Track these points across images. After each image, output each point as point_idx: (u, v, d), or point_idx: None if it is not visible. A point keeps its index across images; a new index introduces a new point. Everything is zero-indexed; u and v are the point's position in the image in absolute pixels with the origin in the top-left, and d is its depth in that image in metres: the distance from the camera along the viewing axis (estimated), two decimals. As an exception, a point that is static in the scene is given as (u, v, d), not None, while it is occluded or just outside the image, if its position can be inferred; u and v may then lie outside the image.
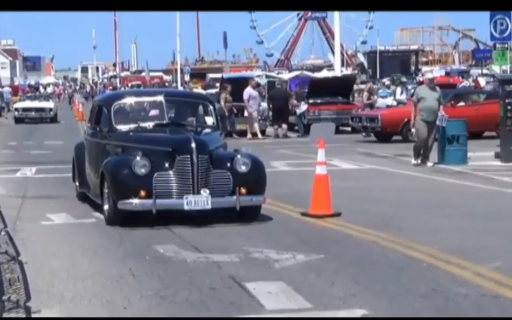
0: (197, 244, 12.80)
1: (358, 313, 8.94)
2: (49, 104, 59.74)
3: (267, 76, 65.51)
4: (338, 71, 53.78)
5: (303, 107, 38.69)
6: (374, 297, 9.57)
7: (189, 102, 18.67)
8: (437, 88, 25.11)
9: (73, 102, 78.75)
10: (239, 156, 14.77)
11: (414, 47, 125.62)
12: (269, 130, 39.38)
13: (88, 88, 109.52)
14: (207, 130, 16.55)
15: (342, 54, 71.63)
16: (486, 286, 10.07)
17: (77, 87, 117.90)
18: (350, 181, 20.89)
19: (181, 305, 9.49)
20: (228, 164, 14.69)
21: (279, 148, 30.73)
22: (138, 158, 14.21)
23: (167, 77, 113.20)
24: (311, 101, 39.78)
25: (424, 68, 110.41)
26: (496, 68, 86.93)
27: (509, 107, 24.72)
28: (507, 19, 34.23)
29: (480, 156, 25.42)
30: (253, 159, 14.95)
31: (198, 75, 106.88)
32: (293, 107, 39.12)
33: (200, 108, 17.67)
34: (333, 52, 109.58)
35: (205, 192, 14.08)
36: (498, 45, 35.07)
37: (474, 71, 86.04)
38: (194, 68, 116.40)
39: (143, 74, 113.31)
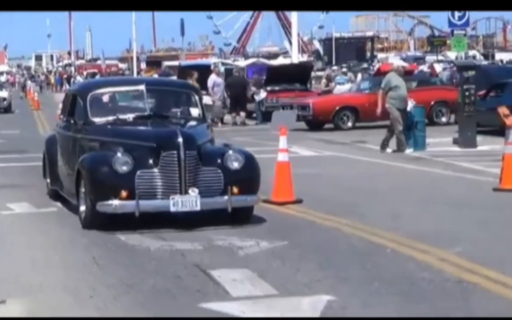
0: (159, 232, 12.81)
1: (324, 299, 9.00)
2: (3, 94, 58.34)
3: (223, 64, 65.38)
4: (296, 58, 53.99)
5: (262, 94, 38.82)
6: (340, 283, 9.66)
7: (172, 91, 16.74)
8: None
9: (27, 91, 77.95)
10: (230, 151, 13.37)
11: (369, 33, 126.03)
12: (227, 117, 39.35)
13: (42, 77, 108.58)
14: (193, 123, 14.82)
15: (297, 41, 71.63)
16: (449, 271, 10.22)
17: (31, 76, 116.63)
18: (311, 168, 20.97)
19: (147, 293, 9.50)
20: (219, 161, 13.19)
21: (238, 135, 30.60)
22: (119, 154, 12.83)
23: (122, 65, 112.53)
24: (269, 88, 39.90)
25: (380, 55, 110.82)
26: (451, 55, 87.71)
27: (467, 93, 25.03)
28: (465, 6, 34.49)
29: (438, 142, 25.69)
30: (246, 155, 13.58)
31: (153, 62, 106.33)
32: (252, 94, 39.16)
33: (184, 98, 15.86)
34: (288, 39, 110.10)
35: (193, 192, 12.71)
36: (455, 32, 35.29)
37: (430, 58, 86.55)
38: (149, 55, 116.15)
39: (99, 62, 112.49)
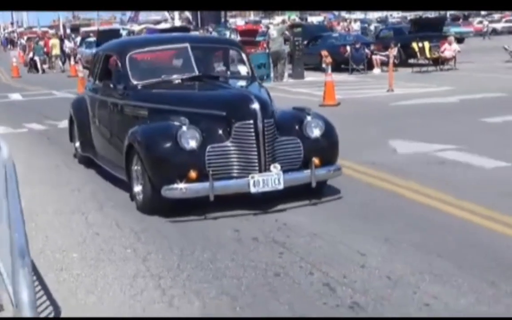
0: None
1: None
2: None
3: (123, 28, 64.08)
4: (178, 23, 53.83)
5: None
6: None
7: (218, 48, 10.66)
8: None
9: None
10: (309, 117, 8.12)
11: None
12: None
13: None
14: (244, 82, 9.33)
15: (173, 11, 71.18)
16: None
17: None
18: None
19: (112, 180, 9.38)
20: (297, 128, 8.03)
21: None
22: (184, 127, 7.52)
23: (51, 31, 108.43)
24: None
25: (231, 20, 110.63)
26: (278, 18, 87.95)
27: (296, 43, 25.60)
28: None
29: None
30: (325, 120, 8.36)
31: (74, 29, 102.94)
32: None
33: (231, 55, 10.29)
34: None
35: (275, 168, 7.55)
36: None
37: (265, 21, 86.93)
38: (71, 24, 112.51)
39: (35, 29, 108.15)
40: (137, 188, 7.97)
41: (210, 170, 7.41)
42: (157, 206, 7.64)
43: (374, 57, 28.04)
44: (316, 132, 8.06)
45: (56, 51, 38.86)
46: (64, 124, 14.91)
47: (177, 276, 5.80)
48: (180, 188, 7.38)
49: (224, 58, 10.22)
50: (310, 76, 25.22)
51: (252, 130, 7.52)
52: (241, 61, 9.95)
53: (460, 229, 6.72)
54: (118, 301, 5.34)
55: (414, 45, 27.56)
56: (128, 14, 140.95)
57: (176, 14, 55.04)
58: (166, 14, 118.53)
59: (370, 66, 27.63)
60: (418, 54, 27.60)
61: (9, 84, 30.85)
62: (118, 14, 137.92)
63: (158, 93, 8.74)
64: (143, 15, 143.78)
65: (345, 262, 5.94)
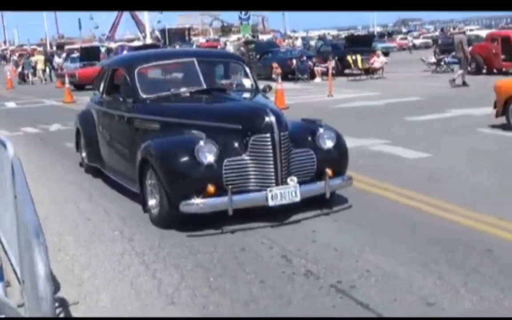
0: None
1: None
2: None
3: (102, 46, 63.17)
4: (149, 41, 53.20)
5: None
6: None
7: (223, 62, 9.10)
8: None
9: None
10: (321, 129, 7.03)
11: (187, 25, 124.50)
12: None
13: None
14: (250, 95, 8.02)
15: (145, 31, 70.52)
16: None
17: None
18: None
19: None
20: (309, 139, 6.94)
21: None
22: (201, 142, 6.31)
23: (39, 48, 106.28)
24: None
25: (194, 38, 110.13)
26: (234, 37, 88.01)
27: (251, 56, 25.69)
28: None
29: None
30: (336, 132, 7.21)
31: (59, 46, 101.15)
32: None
33: (235, 68, 8.99)
34: (139, 29, 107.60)
35: (292, 181, 6.44)
36: (243, 22, 35.73)
37: (223, 39, 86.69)
38: (57, 42, 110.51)
39: (25, 46, 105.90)
40: (152, 202, 6.72)
41: (228, 184, 6.26)
42: (174, 220, 6.46)
43: (315, 68, 28.26)
44: (328, 143, 7.00)
45: (41, 65, 38.76)
46: (55, 127, 14.88)
47: (158, 253, 5.79)
48: (198, 203, 6.21)
49: (228, 71, 8.99)
50: (263, 85, 25.20)
51: (269, 143, 6.36)
52: (246, 74, 8.62)
53: (396, 210, 6.83)
54: (109, 276, 5.29)
55: (349, 58, 27.84)
56: (106, 33, 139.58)
57: (148, 33, 54.64)
58: (138, 33, 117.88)
59: (312, 75, 27.81)
60: (352, 65, 27.91)
61: (4, 94, 30.15)
62: (97, 34, 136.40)
63: (169, 106, 7.42)
64: (119, 35, 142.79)
65: (299, 238, 6.00)
